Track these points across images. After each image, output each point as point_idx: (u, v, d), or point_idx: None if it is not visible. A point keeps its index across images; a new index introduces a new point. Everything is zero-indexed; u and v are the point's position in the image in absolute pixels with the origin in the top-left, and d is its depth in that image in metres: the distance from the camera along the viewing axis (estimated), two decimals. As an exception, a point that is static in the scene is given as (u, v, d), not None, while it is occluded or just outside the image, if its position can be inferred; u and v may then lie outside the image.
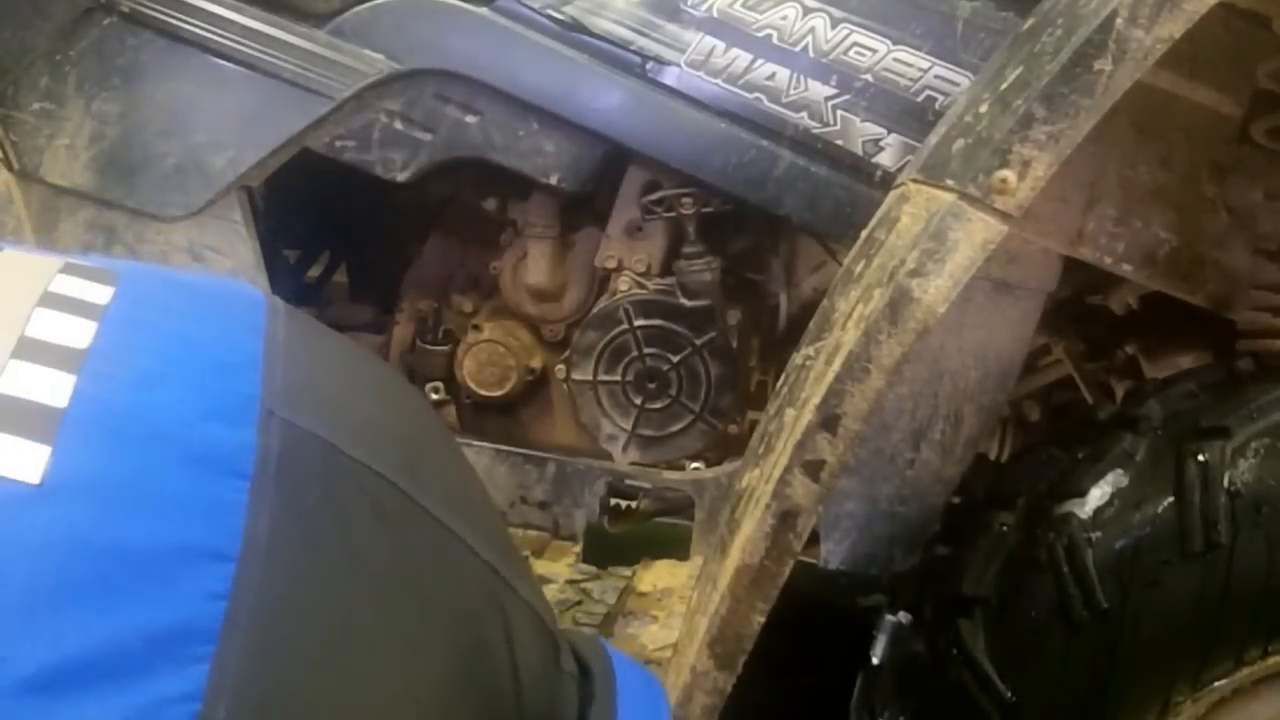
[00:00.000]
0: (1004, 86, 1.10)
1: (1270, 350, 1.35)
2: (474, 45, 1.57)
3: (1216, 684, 1.15)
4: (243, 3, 1.58)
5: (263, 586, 0.48)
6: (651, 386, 1.67)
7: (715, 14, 1.52)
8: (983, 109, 1.11)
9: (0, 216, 1.65)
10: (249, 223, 1.66)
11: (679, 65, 1.54)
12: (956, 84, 1.48)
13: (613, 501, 1.72)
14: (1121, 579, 1.16)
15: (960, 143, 1.10)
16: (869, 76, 1.50)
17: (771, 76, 1.52)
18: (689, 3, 1.53)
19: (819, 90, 1.52)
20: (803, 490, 1.09)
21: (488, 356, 1.72)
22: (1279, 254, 1.39)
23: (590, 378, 1.68)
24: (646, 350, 1.66)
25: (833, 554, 1.43)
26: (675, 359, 1.66)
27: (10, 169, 1.65)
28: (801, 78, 1.52)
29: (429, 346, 1.76)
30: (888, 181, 1.39)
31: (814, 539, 1.37)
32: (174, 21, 1.59)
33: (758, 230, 1.70)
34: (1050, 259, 1.38)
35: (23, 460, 0.48)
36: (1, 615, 0.45)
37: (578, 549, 1.67)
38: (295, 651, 0.49)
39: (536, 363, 1.74)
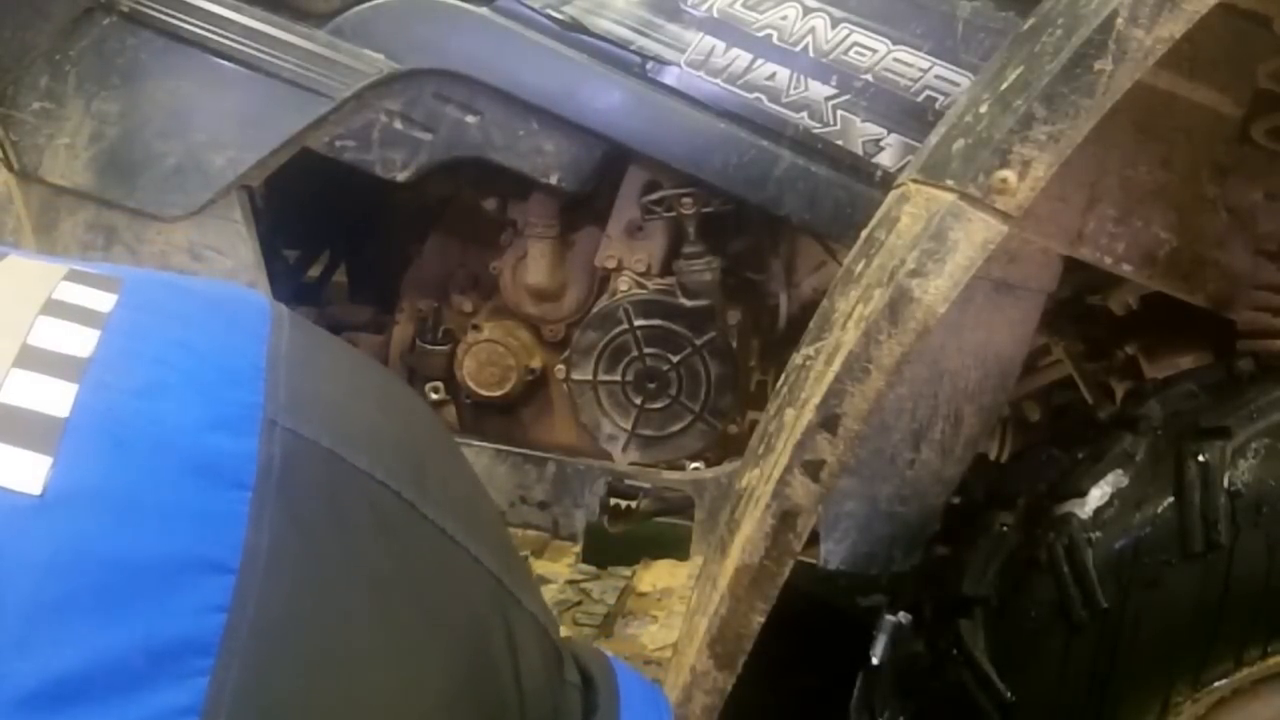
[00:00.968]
0: (1004, 86, 1.10)
1: (1270, 350, 1.35)
2: (474, 45, 1.57)
3: (1216, 684, 1.15)
4: (242, 2, 1.58)
5: (262, 598, 0.48)
6: (651, 386, 1.67)
7: (715, 14, 1.52)
8: (983, 109, 1.11)
9: (0, 216, 1.65)
10: (249, 223, 1.66)
11: (679, 65, 1.54)
12: (957, 84, 1.48)
13: (612, 501, 1.72)
14: (1121, 579, 1.16)
15: (960, 143, 1.10)
16: (869, 76, 1.50)
17: (772, 76, 1.52)
18: (689, 2, 1.53)
19: (819, 90, 1.52)
20: (803, 490, 1.09)
21: (487, 356, 1.72)
22: (1279, 254, 1.39)
23: (590, 378, 1.68)
24: (646, 350, 1.66)
25: (833, 554, 1.43)
26: (675, 359, 1.66)
27: (10, 169, 1.65)
28: (801, 78, 1.52)
29: (429, 346, 1.76)
30: (888, 181, 1.39)
31: (814, 539, 1.37)
32: (174, 21, 1.59)
33: (758, 230, 1.70)
34: (1050, 259, 1.38)
35: (24, 471, 0.48)
36: (1, 629, 0.45)
37: (577, 549, 1.67)
38: (295, 663, 0.49)
39: (536, 363, 1.74)
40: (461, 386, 1.75)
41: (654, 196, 1.63)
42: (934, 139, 1.18)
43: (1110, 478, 1.20)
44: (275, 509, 0.50)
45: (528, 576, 0.66)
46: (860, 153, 1.52)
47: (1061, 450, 1.31)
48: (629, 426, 1.68)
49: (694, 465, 1.69)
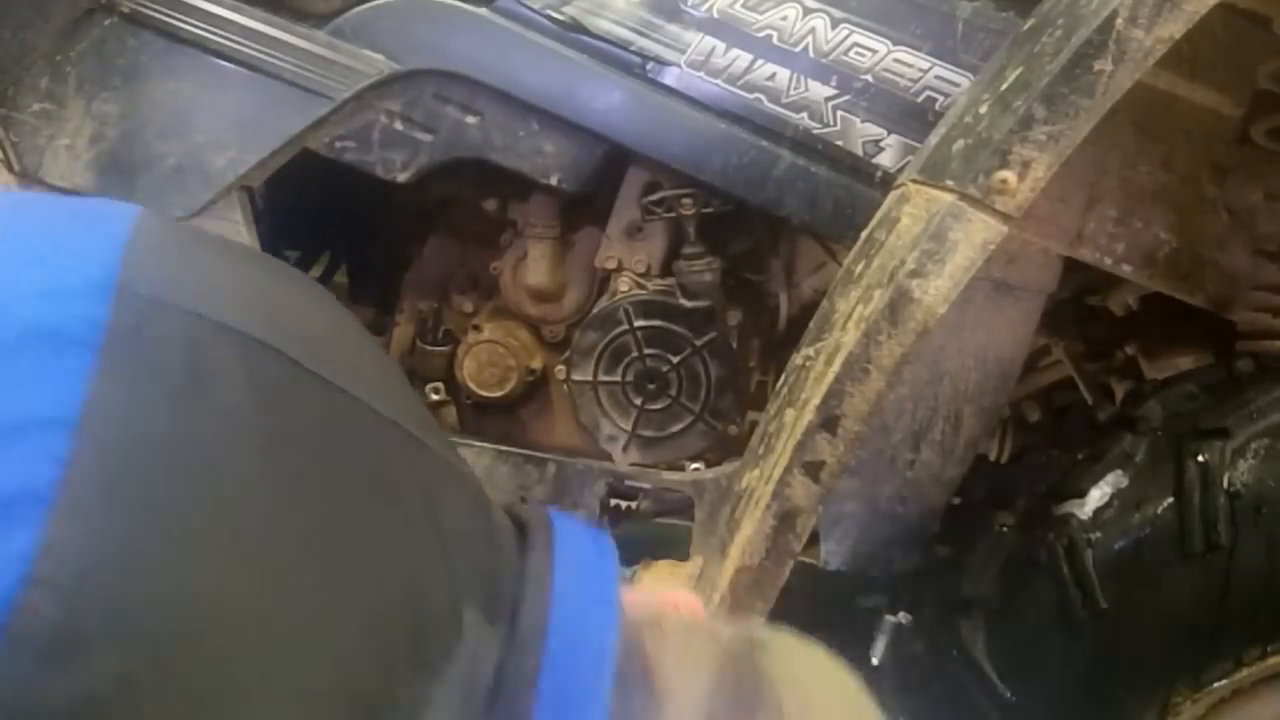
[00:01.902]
0: (1004, 87, 1.10)
1: (1270, 351, 1.35)
2: (474, 46, 1.57)
3: (1216, 684, 1.15)
4: (243, 3, 1.58)
5: (106, 448, 0.46)
6: (651, 387, 1.67)
7: (715, 14, 1.52)
8: (983, 109, 1.11)
9: (0, 217, 1.65)
10: (249, 223, 1.66)
11: (679, 66, 1.54)
12: (957, 84, 1.48)
13: (613, 502, 1.72)
14: (1121, 579, 1.16)
15: (960, 143, 1.10)
16: (869, 77, 1.50)
17: (772, 77, 1.52)
18: (689, 3, 1.53)
19: (819, 91, 1.52)
20: (803, 491, 1.09)
21: (488, 357, 1.72)
22: (1279, 255, 1.39)
23: (590, 378, 1.68)
24: (646, 351, 1.66)
25: (833, 555, 1.43)
26: (675, 360, 1.66)
27: (11, 170, 1.65)
28: (801, 78, 1.52)
29: (429, 347, 1.76)
30: (888, 182, 1.39)
31: (814, 540, 1.37)
32: (174, 22, 1.59)
33: (758, 231, 1.70)
34: (1050, 260, 1.38)
35: None
36: None
37: (578, 549, 1.66)
38: (142, 510, 0.46)
39: (537, 363, 1.75)
40: (462, 387, 1.75)
41: (654, 197, 1.63)
42: (934, 139, 1.18)
43: (1110, 478, 1.20)
44: (126, 365, 0.48)
45: (446, 439, 0.63)
46: (860, 153, 1.52)
47: (1061, 451, 1.31)
48: (629, 427, 1.69)
49: (694, 466, 1.69)
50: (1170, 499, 1.16)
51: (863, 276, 1.13)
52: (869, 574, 1.44)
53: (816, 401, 1.09)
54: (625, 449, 1.70)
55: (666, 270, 1.66)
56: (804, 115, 1.52)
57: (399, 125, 1.60)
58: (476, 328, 1.74)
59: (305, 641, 0.49)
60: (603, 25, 1.55)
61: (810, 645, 0.65)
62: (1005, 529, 1.26)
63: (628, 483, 1.69)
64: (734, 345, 1.66)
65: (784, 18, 1.51)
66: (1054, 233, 1.34)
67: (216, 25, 1.58)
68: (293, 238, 1.87)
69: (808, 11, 1.51)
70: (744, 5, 1.52)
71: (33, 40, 1.64)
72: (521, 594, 0.57)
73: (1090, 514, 1.19)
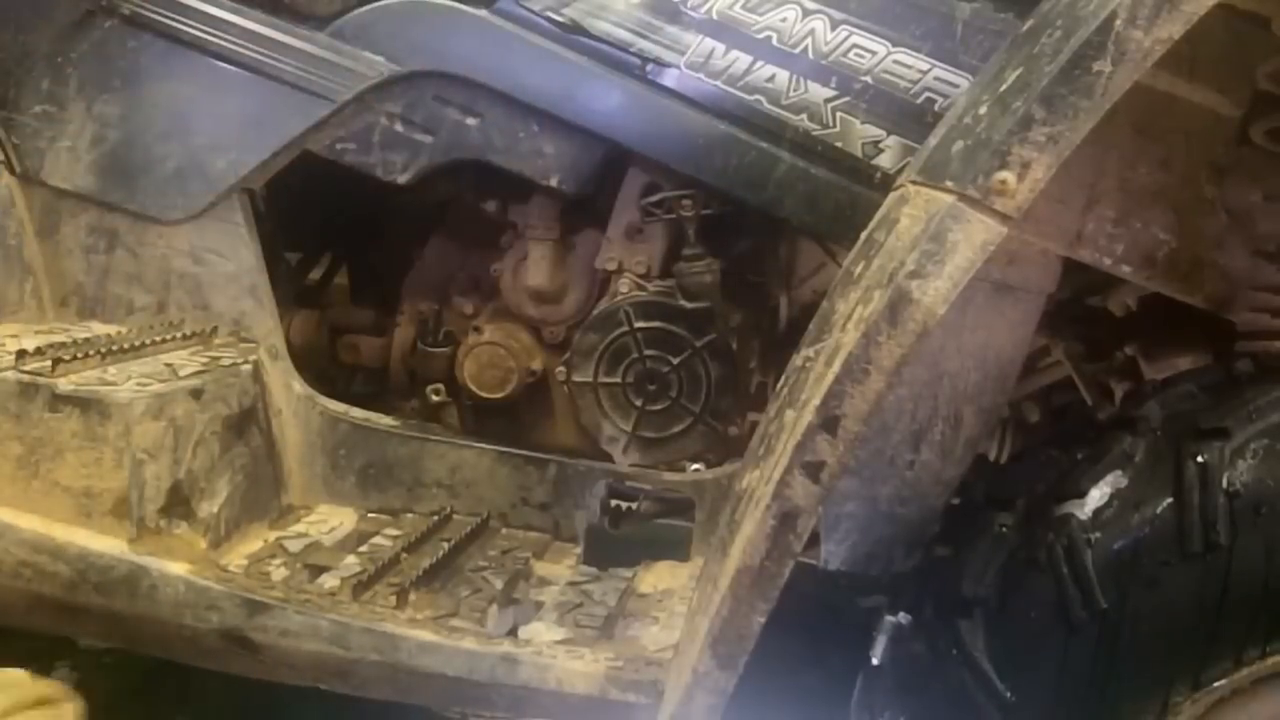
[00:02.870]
0: (1003, 88, 1.10)
1: (1269, 351, 1.35)
2: (474, 48, 1.57)
3: (1216, 684, 1.15)
4: (243, 5, 1.59)
5: None
6: (652, 388, 1.67)
7: (715, 16, 1.53)
8: (982, 110, 1.11)
9: (2, 220, 1.66)
10: (250, 225, 1.66)
11: (679, 67, 1.54)
12: (956, 85, 1.48)
13: (613, 503, 1.72)
14: (1121, 579, 1.16)
15: (959, 144, 1.10)
16: (868, 78, 1.51)
17: (771, 78, 1.53)
18: (689, 5, 1.53)
19: (819, 92, 1.52)
20: (803, 491, 1.09)
21: (488, 358, 1.73)
22: (1278, 255, 1.39)
23: (591, 379, 1.68)
24: (647, 352, 1.66)
25: (833, 555, 1.44)
26: (675, 361, 1.66)
27: (12, 172, 1.66)
28: (801, 80, 1.52)
29: (430, 348, 1.77)
30: (887, 183, 1.40)
31: (814, 540, 1.37)
32: (175, 24, 1.59)
33: (758, 232, 1.71)
34: (1050, 260, 1.38)
35: None
36: None
37: (578, 550, 1.67)
38: None
39: (537, 364, 1.75)
40: (462, 388, 1.75)
41: (654, 199, 1.63)
42: (933, 140, 1.19)
43: (1109, 478, 1.20)
44: None
45: None
46: (860, 154, 1.52)
47: (1061, 451, 1.31)
48: (629, 428, 1.69)
49: (694, 467, 1.70)
50: (1170, 499, 1.16)
51: (862, 277, 1.13)
52: (869, 574, 1.44)
53: (816, 402, 1.09)
54: (626, 450, 1.70)
55: (666, 272, 1.67)
56: (804, 117, 1.52)
57: (399, 127, 1.60)
58: (477, 329, 1.74)
59: None
60: (603, 27, 1.55)
61: None
62: (1005, 529, 1.26)
63: (628, 484, 1.69)
64: (734, 346, 1.66)
65: (783, 19, 1.52)
66: (1053, 233, 1.34)
67: (217, 27, 1.59)
68: (294, 239, 1.87)
69: (807, 13, 1.51)
70: (743, 7, 1.52)
71: (34, 42, 1.64)
72: None
73: (1090, 514, 1.19)
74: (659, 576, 1.63)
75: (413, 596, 1.49)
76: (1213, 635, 1.14)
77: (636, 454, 1.70)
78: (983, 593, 1.24)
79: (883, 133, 1.51)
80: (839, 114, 1.52)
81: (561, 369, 1.70)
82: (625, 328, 1.66)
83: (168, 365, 1.61)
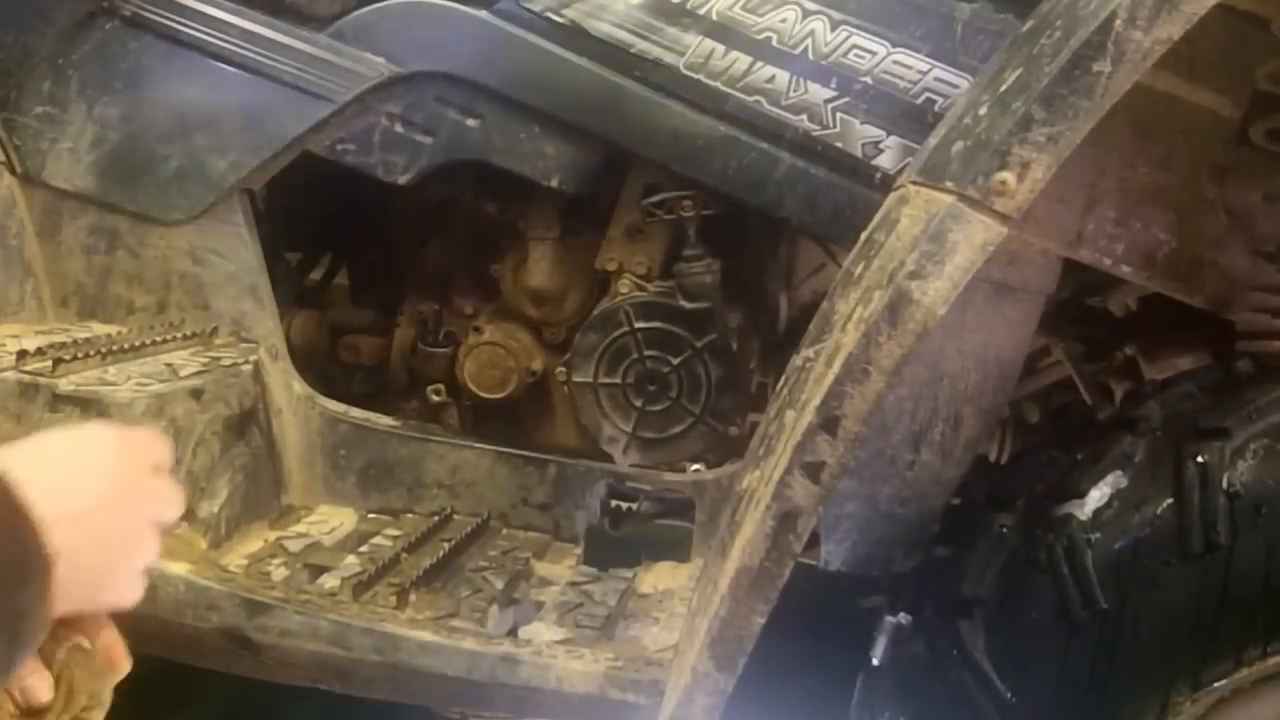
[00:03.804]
0: (1003, 88, 1.10)
1: (1269, 351, 1.36)
2: (475, 48, 1.57)
3: (1216, 684, 1.15)
4: (244, 6, 1.59)
5: None
6: (652, 389, 1.67)
7: (715, 17, 1.53)
8: (982, 111, 1.11)
9: (3, 220, 1.66)
10: (251, 226, 1.66)
11: (679, 68, 1.54)
12: (956, 86, 1.48)
13: (613, 503, 1.72)
14: (1121, 580, 1.16)
15: (959, 145, 1.10)
16: (868, 79, 1.51)
17: (771, 79, 1.53)
18: (689, 5, 1.53)
19: (819, 93, 1.52)
20: (803, 492, 1.09)
21: (489, 359, 1.73)
22: (1277, 255, 1.39)
23: (591, 380, 1.68)
24: (647, 352, 1.66)
25: (833, 555, 1.44)
26: (675, 361, 1.66)
27: (13, 172, 1.66)
28: (801, 80, 1.52)
29: (430, 349, 1.77)
30: (887, 183, 1.40)
31: (814, 540, 1.37)
32: (175, 25, 1.59)
33: (758, 233, 1.71)
34: (1050, 261, 1.38)
35: None
36: None
37: (579, 551, 1.67)
38: None
39: (537, 365, 1.75)
40: (463, 389, 1.75)
41: (654, 199, 1.63)
42: (933, 141, 1.19)
43: (1109, 479, 1.20)
44: None
45: None
46: (860, 155, 1.52)
47: (1061, 451, 1.31)
48: (630, 429, 1.69)
49: (694, 467, 1.70)
50: (1170, 499, 1.16)
51: (862, 278, 1.13)
52: (869, 574, 1.45)
53: (816, 403, 1.09)
54: (626, 450, 1.70)
55: (667, 272, 1.67)
56: (804, 117, 1.52)
57: (400, 128, 1.60)
58: (477, 329, 1.74)
59: None
60: (603, 28, 1.55)
61: None
62: (1005, 529, 1.26)
63: (628, 484, 1.70)
64: (734, 347, 1.66)
65: (783, 20, 1.52)
66: (1053, 233, 1.34)
67: (217, 28, 1.59)
68: (294, 239, 1.87)
69: (807, 14, 1.51)
70: (743, 7, 1.52)
71: (35, 44, 1.64)
72: None
73: (1090, 514, 1.19)
74: (659, 577, 1.63)
75: (413, 597, 1.49)
76: (1213, 635, 1.14)
77: (636, 454, 1.70)
78: (983, 593, 1.24)
79: (883, 133, 1.51)
80: (839, 114, 1.52)
81: (561, 369, 1.70)
82: (625, 328, 1.66)
83: (168, 365, 1.61)
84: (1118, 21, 1.02)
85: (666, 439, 1.69)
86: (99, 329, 1.68)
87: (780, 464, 1.11)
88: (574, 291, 1.74)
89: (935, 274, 1.06)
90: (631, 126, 1.57)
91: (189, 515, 1.54)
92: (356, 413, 1.70)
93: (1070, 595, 1.17)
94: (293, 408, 1.69)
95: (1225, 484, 1.15)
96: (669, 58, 1.54)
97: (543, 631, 1.48)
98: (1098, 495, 1.20)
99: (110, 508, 0.74)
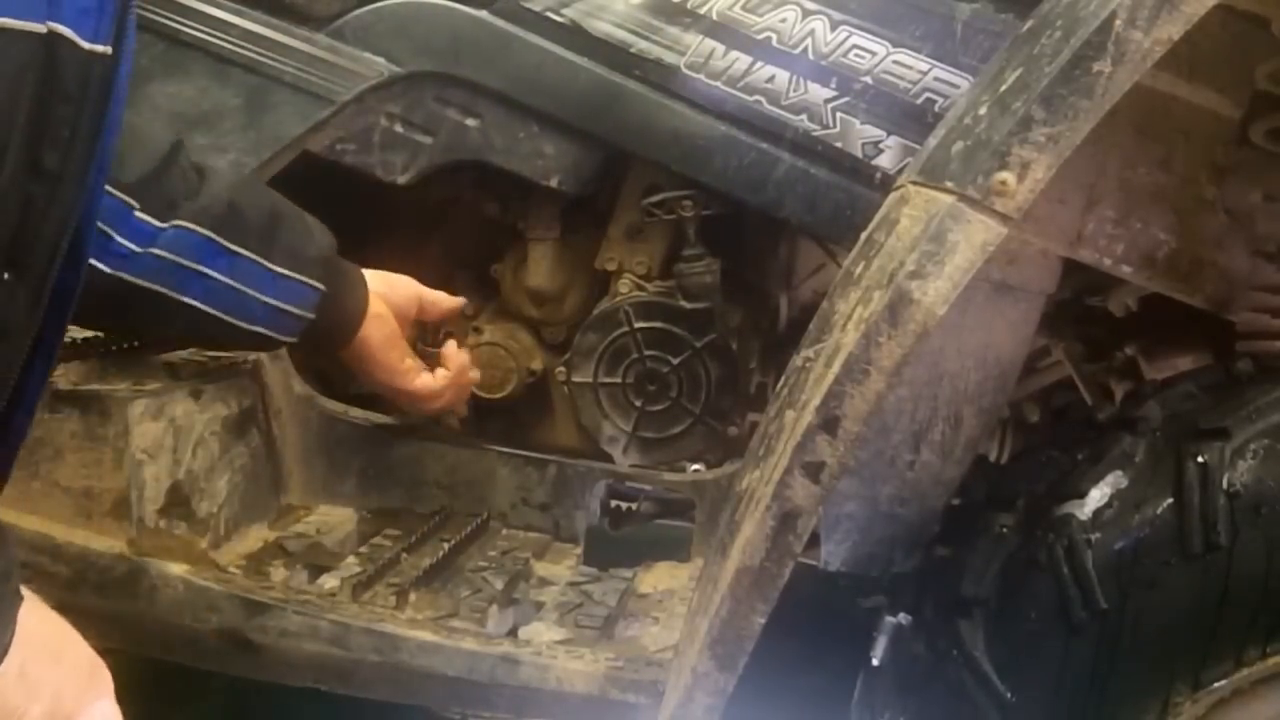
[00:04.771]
0: (1003, 89, 1.10)
1: (1269, 352, 1.35)
2: (474, 48, 1.57)
3: (1216, 684, 1.15)
4: (243, 6, 1.59)
5: None
6: (652, 388, 1.67)
7: (715, 16, 1.53)
8: (982, 111, 1.11)
9: (2, 220, 1.65)
10: (250, 226, 1.66)
11: (679, 68, 1.54)
12: (956, 86, 1.48)
13: (613, 503, 1.72)
14: (1121, 580, 1.16)
15: (959, 145, 1.10)
16: (868, 79, 1.51)
17: (771, 79, 1.53)
18: (689, 5, 1.53)
19: (819, 93, 1.52)
20: (803, 492, 1.09)
21: (489, 359, 1.73)
22: (1278, 255, 1.39)
23: (591, 380, 1.68)
24: (647, 352, 1.66)
25: (833, 555, 1.44)
26: (675, 361, 1.66)
27: (12, 172, 1.65)
28: (801, 80, 1.52)
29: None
30: (887, 183, 1.40)
31: (814, 540, 1.37)
32: (175, 25, 1.59)
33: (758, 233, 1.71)
34: (1050, 261, 1.38)
35: None
36: None
37: (578, 551, 1.67)
38: None
39: (537, 365, 1.75)
40: (462, 389, 1.75)
41: (654, 199, 1.63)
42: (933, 141, 1.19)
43: (1109, 479, 1.20)
44: None
45: None
46: (860, 155, 1.52)
47: (1061, 451, 1.31)
48: (629, 428, 1.69)
49: (694, 467, 1.70)
50: (1170, 499, 1.16)
51: (862, 278, 1.13)
52: (869, 574, 1.44)
53: (816, 403, 1.09)
54: (626, 450, 1.70)
55: (667, 272, 1.67)
56: (804, 117, 1.52)
57: (399, 128, 1.60)
58: (477, 329, 1.74)
59: None
60: (602, 27, 1.55)
61: None
62: (1005, 529, 1.26)
63: (628, 484, 1.70)
64: (734, 347, 1.66)
65: (783, 20, 1.52)
66: (1053, 233, 1.34)
67: (217, 28, 1.59)
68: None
69: (807, 13, 1.51)
70: (743, 7, 1.52)
71: (34, 43, 1.63)
72: None
73: (1090, 514, 1.19)
74: (659, 577, 1.63)
75: (413, 597, 1.49)
76: (1213, 635, 1.14)
77: (636, 454, 1.70)
78: (983, 593, 1.24)
79: (883, 133, 1.51)
80: (839, 114, 1.52)
81: (561, 369, 1.70)
82: (625, 328, 1.66)
83: (167, 365, 1.61)
84: (1118, 21, 1.02)
85: (666, 439, 1.69)
86: (98, 329, 1.68)
87: (780, 464, 1.11)
88: (574, 291, 1.74)
89: (935, 274, 1.06)
90: (631, 126, 1.56)
91: (189, 515, 1.54)
92: (356, 413, 1.70)
93: (1070, 595, 1.17)
94: (292, 407, 1.69)
95: (1225, 484, 1.15)
96: (669, 57, 1.54)
97: (542, 631, 1.48)
98: (1098, 495, 1.20)
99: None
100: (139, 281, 1.29)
